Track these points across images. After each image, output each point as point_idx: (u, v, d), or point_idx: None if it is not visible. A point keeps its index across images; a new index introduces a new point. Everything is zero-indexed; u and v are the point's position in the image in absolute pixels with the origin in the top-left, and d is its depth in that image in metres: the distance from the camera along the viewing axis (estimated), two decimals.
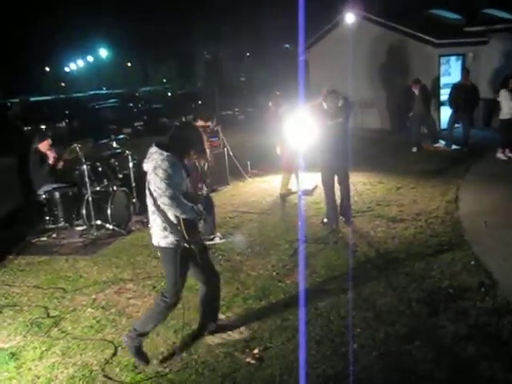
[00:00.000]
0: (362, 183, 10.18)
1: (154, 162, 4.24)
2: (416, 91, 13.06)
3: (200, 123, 7.89)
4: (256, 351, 4.54)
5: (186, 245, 4.32)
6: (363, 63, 16.90)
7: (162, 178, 4.16)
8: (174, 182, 4.19)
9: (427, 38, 15.76)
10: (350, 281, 5.67)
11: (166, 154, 4.26)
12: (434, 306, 5.06)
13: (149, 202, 4.40)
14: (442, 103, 15.70)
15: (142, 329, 4.54)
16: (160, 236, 4.38)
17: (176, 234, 4.30)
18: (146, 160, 4.36)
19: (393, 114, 16.72)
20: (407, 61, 16.30)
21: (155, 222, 4.41)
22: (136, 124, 23.29)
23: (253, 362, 4.41)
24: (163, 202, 4.20)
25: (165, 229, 4.34)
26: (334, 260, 6.46)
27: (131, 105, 28.18)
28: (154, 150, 4.34)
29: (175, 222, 4.29)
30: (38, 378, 4.48)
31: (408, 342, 4.45)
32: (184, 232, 4.28)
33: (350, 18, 14.79)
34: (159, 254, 4.61)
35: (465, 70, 13.74)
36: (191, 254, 4.41)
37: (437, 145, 13.53)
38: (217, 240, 7.52)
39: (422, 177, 10.44)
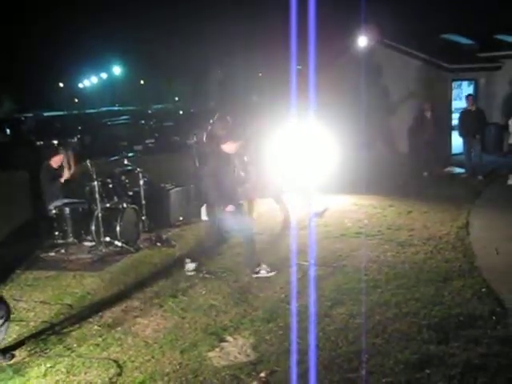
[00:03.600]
0: (372, 206, 10.14)
1: None
2: (428, 115, 13.05)
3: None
4: (263, 374, 4.48)
5: None
6: (375, 86, 16.94)
7: None
8: None
9: (440, 62, 15.81)
10: (360, 305, 5.61)
11: None
12: (444, 333, 4.98)
13: None
14: (453, 128, 15.68)
15: None
16: None
17: None
18: None
19: (404, 138, 16.70)
20: (419, 85, 16.33)
21: None
22: (147, 141, 23.39)
23: None
24: None
25: None
26: (343, 284, 6.39)
27: (143, 122, 28.32)
28: None
29: None
30: None
31: (418, 370, 4.37)
32: None
33: (362, 41, 14.89)
34: None
35: (469, 96, 13.64)
36: None
37: (447, 169, 13.48)
38: (263, 273, 6.79)
39: (432, 201, 10.38)
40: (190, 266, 7.08)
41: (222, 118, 8.19)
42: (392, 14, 18.43)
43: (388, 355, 4.65)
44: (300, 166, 8.55)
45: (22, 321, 5.89)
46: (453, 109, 16.06)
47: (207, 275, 6.94)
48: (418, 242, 7.86)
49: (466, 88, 17.18)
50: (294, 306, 5.82)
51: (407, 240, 8.01)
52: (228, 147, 6.86)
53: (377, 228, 8.64)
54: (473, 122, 12.70)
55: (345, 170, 11.30)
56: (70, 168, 8.71)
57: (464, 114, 13.01)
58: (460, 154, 14.00)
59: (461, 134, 13.17)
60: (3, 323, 4.95)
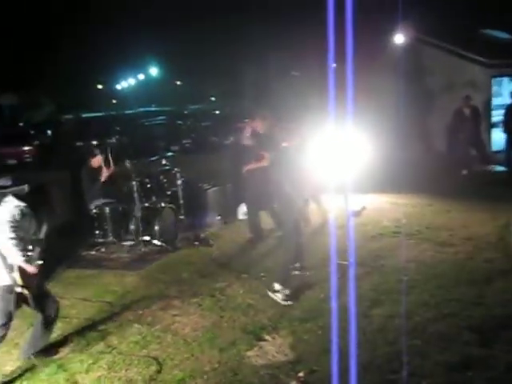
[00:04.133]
0: (410, 206, 10.02)
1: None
2: (467, 111, 12.80)
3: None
4: (301, 374, 4.49)
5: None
6: (413, 84, 16.70)
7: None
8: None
9: (479, 58, 15.49)
10: (398, 306, 5.55)
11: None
12: (485, 335, 4.90)
13: None
14: (493, 125, 15.35)
15: None
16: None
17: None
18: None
19: (442, 135, 16.43)
20: (458, 81, 16.03)
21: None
22: (184, 141, 23.60)
23: None
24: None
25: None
26: (381, 284, 6.35)
27: (180, 122, 28.62)
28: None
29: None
30: None
31: (459, 372, 4.32)
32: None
33: (399, 38, 14.70)
34: None
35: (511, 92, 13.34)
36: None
37: (487, 167, 13.21)
38: (278, 296, 6.13)
39: (472, 200, 10.19)
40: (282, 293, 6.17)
41: (265, 117, 8.09)
42: (429, 9, 18.11)
43: (428, 357, 4.60)
44: (338, 166, 8.50)
45: (65, 317, 6.03)
46: (492, 106, 15.72)
47: (244, 275, 6.98)
48: (458, 242, 7.73)
49: (507, 84, 16.80)
50: (332, 305, 5.80)
51: (447, 240, 7.89)
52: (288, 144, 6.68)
53: (415, 227, 8.53)
54: None
55: (382, 170, 11.19)
56: (109, 168, 8.86)
57: (509, 110, 12.71)
58: (501, 151, 13.69)
59: (504, 131, 12.88)
60: (53, 321, 5.11)
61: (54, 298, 5.22)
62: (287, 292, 6.11)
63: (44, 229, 4.85)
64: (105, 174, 8.72)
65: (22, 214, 4.63)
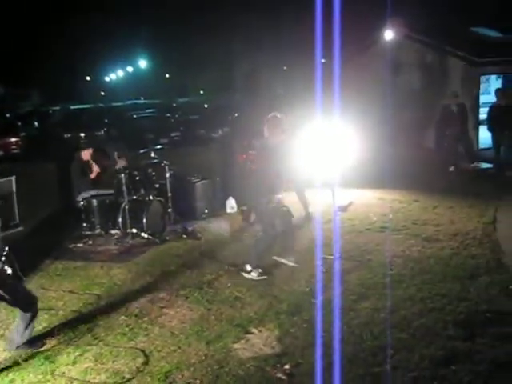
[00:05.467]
0: (397, 201, 10.09)
1: None
2: (454, 108, 12.87)
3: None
4: (287, 367, 4.52)
5: None
6: (401, 81, 16.78)
7: None
8: None
9: (468, 56, 15.58)
10: (384, 300, 5.60)
11: None
12: (470, 329, 4.96)
13: None
14: (481, 122, 15.46)
15: None
16: None
17: None
18: None
19: (430, 132, 16.52)
20: (446, 79, 16.12)
21: None
22: (173, 134, 23.52)
23: (284, 377, 4.40)
24: None
25: None
26: (367, 278, 6.39)
27: (168, 115, 28.51)
28: None
29: None
30: (72, 382, 4.54)
31: (444, 366, 4.37)
32: None
33: (388, 35, 14.75)
34: None
35: (498, 90, 13.38)
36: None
37: (473, 165, 13.30)
38: (253, 275, 6.63)
39: (459, 197, 10.27)
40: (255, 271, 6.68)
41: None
42: (419, 6, 18.19)
43: (413, 350, 4.65)
44: (324, 160, 8.53)
45: (51, 309, 6.02)
46: (480, 103, 15.82)
47: (231, 268, 7.00)
48: (444, 238, 7.80)
49: (494, 82, 16.92)
50: (318, 299, 5.85)
51: (433, 235, 7.96)
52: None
53: (402, 223, 8.60)
54: (502, 117, 12.49)
55: (369, 165, 11.26)
56: (97, 161, 8.82)
57: (493, 108, 12.81)
58: (488, 148, 13.80)
59: (489, 129, 12.97)
60: (32, 317, 5.09)
61: (31, 294, 5.19)
62: (260, 270, 6.62)
63: None
64: (94, 168, 8.67)
65: None
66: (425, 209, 9.56)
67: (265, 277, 6.58)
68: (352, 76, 18.68)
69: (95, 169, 8.68)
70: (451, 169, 12.96)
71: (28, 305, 5.02)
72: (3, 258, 4.64)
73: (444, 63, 16.26)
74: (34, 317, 5.12)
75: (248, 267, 6.66)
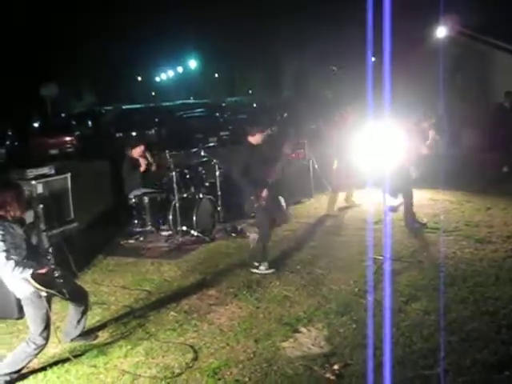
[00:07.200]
0: (449, 202, 9.88)
1: None
2: (507, 106, 12.50)
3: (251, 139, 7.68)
4: (336, 367, 4.50)
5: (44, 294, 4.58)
6: (452, 78, 16.40)
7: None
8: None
9: None
10: (435, 302, 5.50)
11: None
12: None
13: None
14: None
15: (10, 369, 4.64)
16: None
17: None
18: None
19: (483, 130, 16.08)
20: (498, 75, 15.67)
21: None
22: (222, 133, 23.69)
23: (332, 377, 4.38)
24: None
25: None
26: (418, 279, 6.29)
27: (217, 114, 28.72)
28: None
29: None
30: (123, 375, 4.66)
31: (497, 372, 4.26)
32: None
33: (441, 31, 14.45)
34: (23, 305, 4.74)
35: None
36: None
37: None
38: (262, 269, 6.88)
39: None
40: (263, 265, 6.93)
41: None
42: (471, 2, 17.73)
43: (465, 354, 4.55)
44: (376, 161, 8.44)
45: (103, 304, 6.20)
46: None
47: (281, 267, 7.01)
48: (498, 240, 7.59)
49: None
50: (368, 299, 5.80)
51: (486, 237, 7.75)
52: None
53: (454, 224, 8.42)
54: None
55: (421, 165, 11.04)
56: (148, 159, 8.98)
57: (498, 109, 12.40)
58: None
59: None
60: (85, 311, 5.25)
61: (82, 289, 5.35)
62: (266, 264, 6.85)
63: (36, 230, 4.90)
64: (143, 165, 8.83)
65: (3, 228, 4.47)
66: (477, 210, 9.33)
67: (273, 270, 6.83)
68: (403, 75, 18.40)
69: (144, 161, 8.81)
70: (505, 169, 12.59)
71: (80, 300, 5.17)
72: (49, 257, 4.75)
73: (498, 61, 15.81)
74: (85, 311, 5.27)
75: (255, 263, 6.91)
